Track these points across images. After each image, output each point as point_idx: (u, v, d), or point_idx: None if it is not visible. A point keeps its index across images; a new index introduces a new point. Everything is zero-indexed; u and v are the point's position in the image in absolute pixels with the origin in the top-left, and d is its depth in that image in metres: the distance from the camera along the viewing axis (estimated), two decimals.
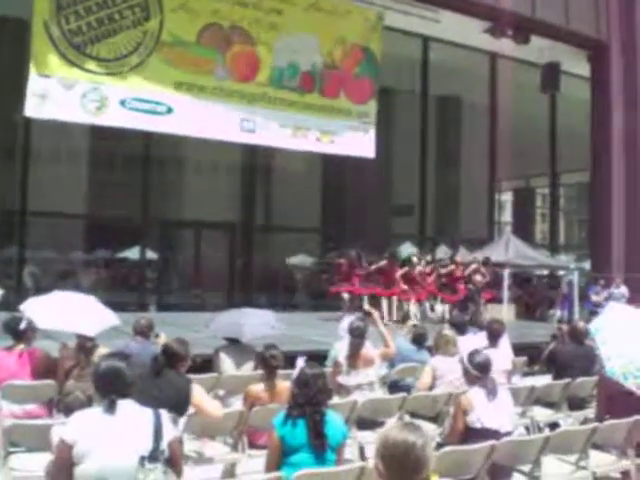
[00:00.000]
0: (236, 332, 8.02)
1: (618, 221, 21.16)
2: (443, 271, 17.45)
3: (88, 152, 20.60)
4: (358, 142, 17.49)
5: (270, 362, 6.11)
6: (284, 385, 5.73)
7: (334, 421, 4.66)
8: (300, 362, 4.94)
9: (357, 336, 7.46)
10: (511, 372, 8.67)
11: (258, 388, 6.12)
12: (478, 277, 17.43)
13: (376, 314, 8.51)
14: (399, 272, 16.53)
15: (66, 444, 3.68)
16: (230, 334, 8.04)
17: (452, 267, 17.33)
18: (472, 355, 5.85)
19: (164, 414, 3.91)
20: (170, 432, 3.88)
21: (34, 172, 18.32)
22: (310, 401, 4.58)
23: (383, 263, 16.69)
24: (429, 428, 6.66)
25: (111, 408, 3.76)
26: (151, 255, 20.54)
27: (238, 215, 21.90)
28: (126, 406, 3.81)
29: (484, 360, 5.78)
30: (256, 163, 22.02)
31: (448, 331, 8.08)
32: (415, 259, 17.42)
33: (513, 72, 23.29)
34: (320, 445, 4.49)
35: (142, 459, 3.68)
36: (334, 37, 17.11)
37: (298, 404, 4.60)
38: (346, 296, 16.37)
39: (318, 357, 8.29)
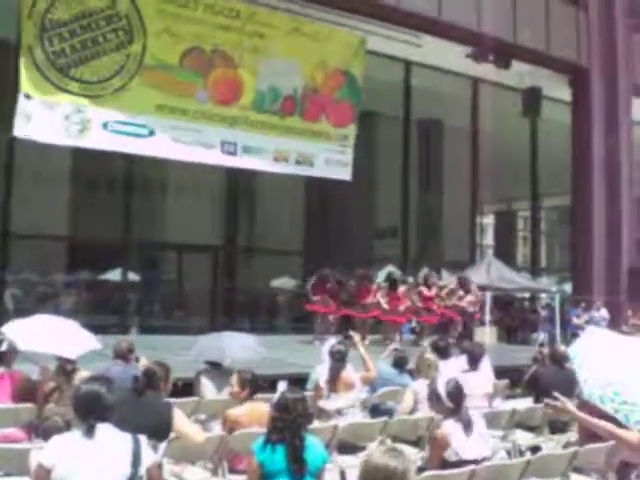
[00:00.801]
0: (217, 356, 8.00)
1: (599, 244, 21.32)
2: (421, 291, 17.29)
3: (71, 173, 20.52)
4: (336, 165, 17.61)
5: (246, 385, 6.09)
6: (263, 408, 5.69)
7: (314, 446, 4.62)
8: (281, 386, 4.92)
9: (338, 360, 7.45)
10: (492, 395, 8.68)
11: (237, 412, 6.08)
12: (469, 298, 17.32)
13: (357, 337, 8.50)
14: (378, 293, 16.42)
15: (44, 468, 3.67)
16: (211, 358, 8.02)
17: (423, 289, 17.09)
18: (447, 385, 5.71)
19: (143, 439, 3.89)
20: (149, 457, 3.87)
21: (17, 193, 18.22)
22: (290, 426, 4.54)
23: (351, 284, 16.55)
24: (411, 452, 6.65)
25: (90, 432, 3.75)
26: (133, 277, 20.44)
27: (221, 238, 21.86)
28: (105, 431, 3.79)
29: (457, 391, 5.64)
30: (239, 186, 22.03)
31: (430, 355, 8.08)
32: (397, 277, 17.32)
33: (495, 97, 23.46)
34: (299, 470, 4.44)
35: None
36: (316, 61, 17.23)
37: (277, 429, 4.57)
38: (320, 320, 16.30)
39: (299, 380, 8.29)
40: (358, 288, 16.36)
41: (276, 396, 4.81)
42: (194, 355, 8.40)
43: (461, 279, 17.78)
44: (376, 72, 19.57)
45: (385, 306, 16.23)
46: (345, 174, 17.95)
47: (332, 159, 17.60)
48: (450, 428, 5.39)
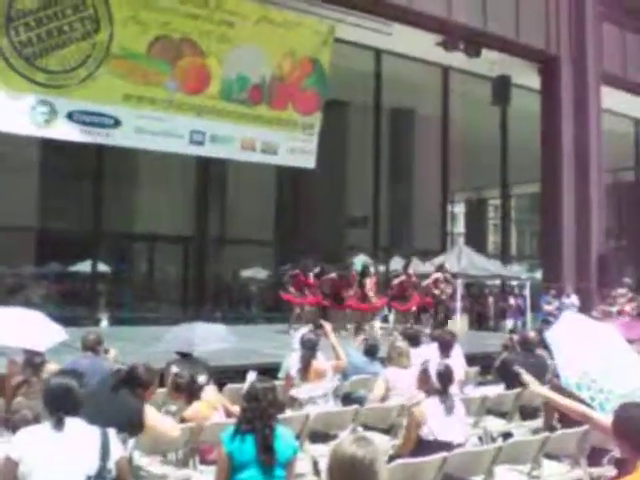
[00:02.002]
0: (187, 346, 7.96)
1: (569, 232, 21.46)
2: (395, 281, 17.33)
3: (39, 163, 20.30)
4: (301, 153, 17.64)
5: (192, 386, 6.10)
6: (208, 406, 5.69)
7: (284, 436, 4.60)
8: (251, 376, 4.91)
9: (309, 348, 7.46)
10: (464, 382, 8.72)
11: (189, 414, 6.06)
12: (446, 288, 17.36)
13: (328, 326, 8.49)
14: (354, 285, 16.41)
15: (12, 461, 3.65)
16: (181, 348, 7.97)
17: (402, 277, 17.14)
18: (438, 366, 5.87)
19: (112, 433, 3.86)
20: (117, 451, 3.84)
21: None
22: (260, 416, 4.53)
23: (333, 276, 16.53)
24: (383, 440, 6.66)
25: (58, 425, 3.73)
26: (103, 269, 20.28)
27: (191, 228, 21.75)
28: (74, 424, 3.77)
29: (447, 373, 5.80)
30: (209, 176, 21.92)
31: (401, 343, 8.09)
32: (372, 269, 17.31)
33: (465, 85, 23.54)
34: (268, 461, 4.41)
35: (88, 478, 3.63)
36: (284, 49, 17.18)
37: (247, 419, 4.54)
38: (297, 310, 16.26)
39: (271, 370, 8.28)
40: (339, 280, 16.30)
41: (246, 386, 4.79)
42: (164, 346, 8.35)
43: (439, 267, 17.87)
44: (346, 61, 19.55)
45: (373, 297, 16.23)
46: (309, 162, 18.02)
47: (297, 147, 17.66)
48: (431, 407, 5.51)
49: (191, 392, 6.14)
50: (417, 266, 19.01)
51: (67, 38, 14.44)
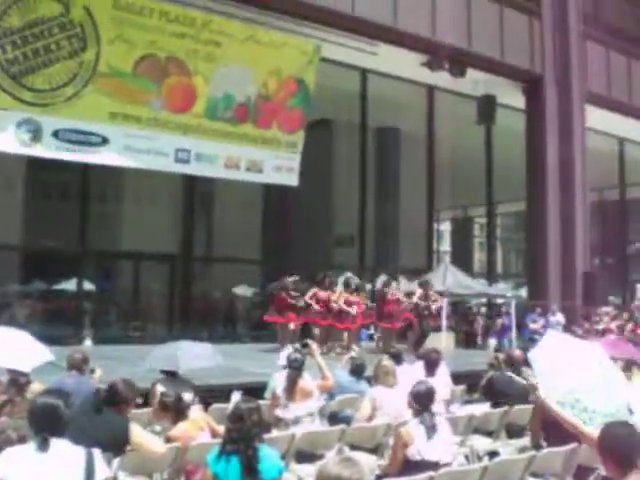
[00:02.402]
0: (172, 364, 7.92)
1: (554, 250, 21.56)
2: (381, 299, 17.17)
3: (24, 181, 20.25)
4: (284, 171, 17.72)
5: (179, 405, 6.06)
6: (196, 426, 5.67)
7: (268, 457, 4.58)
8: (235, 396, 4.90)
9: (295, 368, 7.43)
10: (450, 401, 8.72)
11: (176, 433, 6.02)
12: (433, 305, 17.25)
13: (315, 345, 8.48)
14: (334, 296, 16.28)
15: None
16: (166, 367, 7.93)
17: (385, 296, 16.96)
18: (414, 387, 5.88)
19: (97, 453, 3.84)
20: (102, 471, 3.83)
21: None
22: (244, 436, 4.51)
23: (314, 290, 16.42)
24: (369, 459, 6.64)
25: (43, 446, 3.70)
26: (88, 287, 20.21)
27: (177, 246, 21.71)
28: (59, 444, 3.75)
29: (425, 392, 5.80)
30: (195, 194, 21.91)
31: (387, 362, 8.08)
32: (353, 282, 17.11)
33: (450, 104, 23.65)
34: None
35: None
36: (270, 69, 17.25)
37: (232, 439, 4.53)
38: (292, 326, 16.16)
39: (256, 389, 8.26)
40: (321, 290, 16.18)
41: (230, 406, 4.77)
42: (148, 365, 8.31)
43: (423, 283, 17.81)
44: (332, 80, 19.63)
45: (352, 312, 16.11)
46: (292, 180, 18.06)
47: (281, 165, 17.71)
48: (415, 427, 5.50)
49: (178, 411, 6.10)
50: (404, 285, 19.03)
51: (54, 56, 14.43)
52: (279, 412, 7.28)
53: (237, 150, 17.08)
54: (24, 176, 20.06)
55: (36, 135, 14.38)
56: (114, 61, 15.16)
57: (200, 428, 6.10)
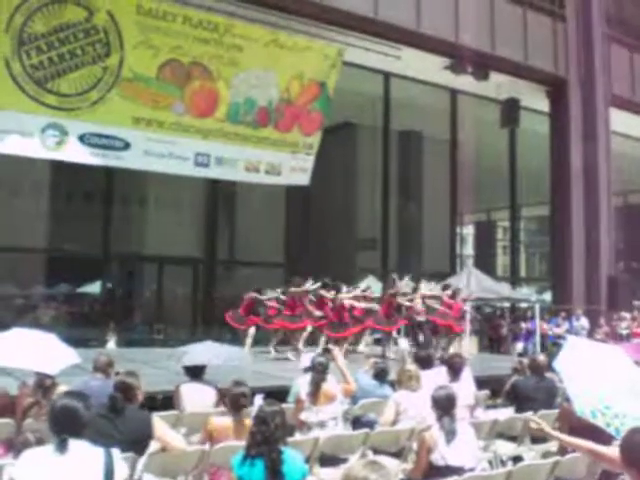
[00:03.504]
0: (200, 360, 7.93)
1: (578, 254, 21.44)
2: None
3: (49, 185, 20.41)
4: (298, 172, 17.75)
5: (237, 401, 6.02)
6: (244, 424, 5.65)
7: (292, 459, 4.58)
8: (258, 400, 4.90)
9: (319, 372, 7.41)
10: (474, 406, 8.67)
11: (223, 423, 6.01)
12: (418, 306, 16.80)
13: (336, 351, 8.47)
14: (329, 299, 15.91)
15: None
16: (194, 362, 7.91)
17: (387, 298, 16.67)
18: (435, 392, 5.87)
19: (116, 453, 3.84)
20: (122, 471, 3.82)
21: None
22: (268, 439, 4.52)
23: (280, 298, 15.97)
24: (392, 464, 6.63)
25: (62, 447, 3.69)
26: (112, 290, 20.34)
27: (201, 250, 21.78)
28: (78, 446, 3.74)
29: (445, 397, 5.77)
30: (219, 197, 21.99)
31: (411, 366, 8.05)
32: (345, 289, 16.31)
33: (473, 107, 23.60)
34: None
35: None
36: (292, 73, 17.29)
37: (256, 442, 4.53)
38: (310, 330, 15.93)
39: (280, 393, 8.26)
40: (288, 300, 15.60)
41: (254, 410, 4.78)
42: (176, 360, 8.31)
43: (446, 286, 17.67)
44: (355, 84, 19.65)
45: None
46: (304, 180, 18.08)
47: (296, 167, 17.73)
48: (437, 433, 5.48)
49: (233, 403, 6.06)
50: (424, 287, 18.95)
51: (79, 61, 14.55)
52: (303, 416, 7.27)
53: (257, 153, 17.15)
54: (49, 180, 20.21)
55: (61, 140, 14.50)
56: (138, 66, 15.25)
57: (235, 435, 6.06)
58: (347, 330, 15.17)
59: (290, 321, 15.32)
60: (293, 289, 15.44)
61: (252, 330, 15.78)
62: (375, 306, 16.38)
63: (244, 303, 15.88)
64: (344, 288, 16.03)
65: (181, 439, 5.82)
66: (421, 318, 16.28)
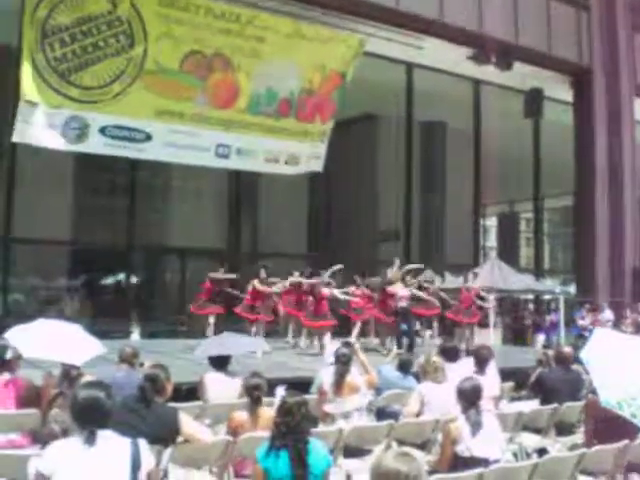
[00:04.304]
0: (223, 350, 7.93)
1: (602, 246, 21.29)
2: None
3: (73, 178, 20.53)
4: (313, 159, 17.72)
5: (252, 393, 6.03)
6: (268, 413, 5.65)
7: (317, 449, 4.57)
8: (280, 391, 4.89)
9: (343, 363, 7.40)
10: (498, 398, 8.63)
11: (242, 417, 6.04)
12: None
13: (357, 345, 8.46)
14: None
15: (43, 476, 3.61)
16: (217, 352, 7.92)
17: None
18: (461, 383, 5.84)
19: (142, 444, 3.83)
20: (148, 462, 3.81)
21: (19, 198, 18.23)
22: (293, 430, 4.51)
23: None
24: (417, 455, 6.59)
25: (90, 439, 3.67)
26: (136, 282, 20.43)
27: (224, 241, 21.83)
28: (105, 437, 3.73)
29: (471, 389, 5.75)
30: (241, 189, 22.02)
31: (437, 358, 8.02)
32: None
33: (497, 98, 23.45)
34: (303, 475, 4.39)
35: None
36: (314, 64, 17.22)
37: (281, 434, 4.53)
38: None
39: (303, 384, 8.25)
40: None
41: (276, 401, 4.77)
42: (201, 353, 8.33)
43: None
44: (378, 74, 19.58)
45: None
46: (319, 166, 18.07)
47: (311, 155, 17.72)
48: (462, 425, 5.46)
49: (254, 395, 6.08)
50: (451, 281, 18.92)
51: (102, 54, 14.56)
52: (326, 407, 7.26)
53: (277, 144, 17.15)
54: (73, 173, 20.34)
55: (84, 132, 14.55)
56: (161, 58, 15.26)
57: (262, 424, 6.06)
58: (325, 321, 14.97)
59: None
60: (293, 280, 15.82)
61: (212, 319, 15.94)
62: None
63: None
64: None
65: (209, 433, 5.82)
66: (402, 304, 15.78)
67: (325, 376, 7.63)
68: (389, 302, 15.47)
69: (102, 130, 14.80)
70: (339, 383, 7.31)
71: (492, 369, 8.56)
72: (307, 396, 7.85)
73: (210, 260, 21.57)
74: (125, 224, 20.00)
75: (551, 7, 20.64)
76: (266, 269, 15.91)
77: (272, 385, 6.05)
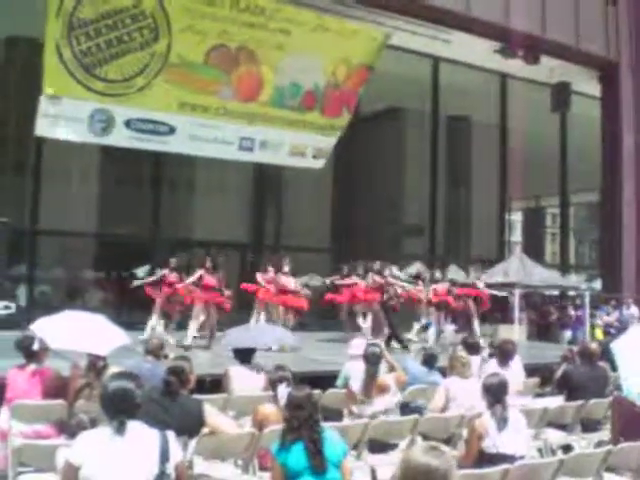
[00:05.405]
0: (249, 343, 7.93)
1: (629, 241, 21.10)
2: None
3: (99, 171, 20.64)
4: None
5: (277, 386, 6.04)
6: None
7: (331, 438, 4.60)
8: (282, 388, 4.93)
9: (373, 363, 7.31)
10: (522, 393, 8.59)
11: (267, 409, 6.05)
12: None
13: (382, 344, 8.43)
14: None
15: (72, 466, 3.63)
16: (243, 345, 7.92)
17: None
18: (487, 379, 5.82)
19: (171, 436, 3.84)
20: (177, 454, 3.82)
21: (45, 190, 18.37)
22: (306, 422, 4.53)
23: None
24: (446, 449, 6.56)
25: (120, 430, 3.69)
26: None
27: (248, 235, 21.87)
28: (134, 428, 3.75)
29: (497, 385, 5.72)
30: (266, 183, 22.05)
31: (463, 352, 7.98)
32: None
33: (523, 92, 23.29)
34: (320, 465, 4.41)
35: None
36: (339, 57, 17.11)
37: (293, 428, 4.54)
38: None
39: (326, 378, 8.26)
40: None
41: (283, 397, 4.79)
42: (227, 343, 8.33)
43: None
44: (403, 68, 19.52)
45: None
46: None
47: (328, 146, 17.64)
48: (488, 421, 5.44)
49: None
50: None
51: (126, 48, 14.57)
52: (356, 409, 7.18)
53: (303, 137, 17.10)
54: (98, 166, 20.45)
55: (109, 125, 14.60)
56: (185, 52, 15.25)
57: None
58: None
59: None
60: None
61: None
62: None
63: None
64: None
65: (234, 425, 5.84)
66: None
67: (351, 371, 7.60)
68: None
69: (127, 123, 14.84)
70: (369, 384, 7.23)
71: (517, 363, 8.53)
72: (332, 390, 7.89)
73: (233, 253, 21.66)
74: (150, 217, 20.10)
75: (579, 1, 20.45)
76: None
77: (298, 379, 6.08)
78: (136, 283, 15.94)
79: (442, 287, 16.48)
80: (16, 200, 18.54)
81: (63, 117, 14.06)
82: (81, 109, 14.30)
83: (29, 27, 15.68)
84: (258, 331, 8.39)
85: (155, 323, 14.79)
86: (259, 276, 15.82)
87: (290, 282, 15.57)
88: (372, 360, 7.32)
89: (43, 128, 13.97)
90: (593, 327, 19.48)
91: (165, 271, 15.15)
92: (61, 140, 14.36)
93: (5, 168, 19.02)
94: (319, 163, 17.67)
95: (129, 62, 14.60)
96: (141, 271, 17.33)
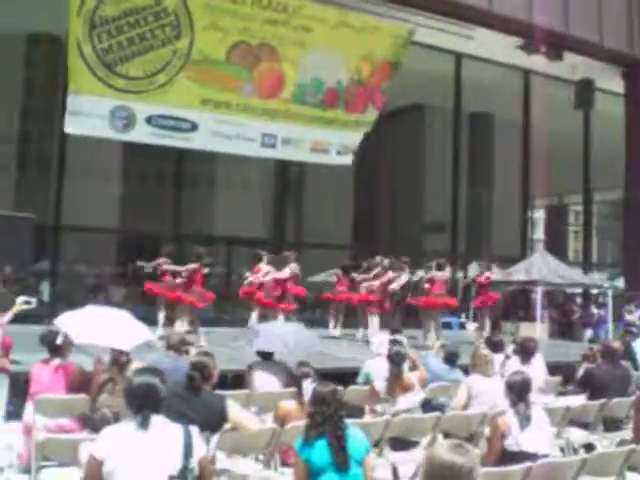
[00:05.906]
0: (272, 346, 7.92)
1: None
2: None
3: (121, 168, 20.75)
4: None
5: (300, 382, 6.05)
6: None
7: (355, 435, 4.60)
8: (307, 384, 4.91)
9: (398, 363, 7.27)
10: (544, 390, 8.56)
11: (289, 405, 6.06)
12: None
13: (405, 340, 8.41)
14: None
15: (96, 460, 3.65)
16: (265, 347, 7.92)
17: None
18: (510, 377, 5.79)
19: (194, 431, 3.86)
20: (200, 449, 3.83)
21: (68, 187, 18.47)
22: (330, 418, 4.52)
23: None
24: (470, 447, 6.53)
25: (144, 424, 3.72)
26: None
27: (269, 232, 21.89)
28: (158, 422, 3.77)
29: (520, 383, 5.69)
30: (287, 180, 22.06)
31: (486, 350, 7.94)
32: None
33: (546, 89, 23.15)
34: (344, 462, 4.40)
35: (171, 478, 3.63)
36: (362, 53, 17.05)
37: (317, 423, 4.54)
38: None
39: (347, 374, 8.25)
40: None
41: (307, 392, 4.79)
42: (246, 342, 8.34)
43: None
44: (426, 64, 19.45)
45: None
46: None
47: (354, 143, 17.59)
48: (511, 419, 5.42)
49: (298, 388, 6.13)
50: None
51: (148, 45, 14.59)
52: (379, 408, 7.15)
53: (326, 134, 17.06)
54: (120, 163, 20.56)
55: (130, 121, 14.65)
56: (207, 49, 15.27)
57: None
58: None
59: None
60: None
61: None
62: None
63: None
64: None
65: (256, 421, 5.85)
66: None
67: (373, 369, 7.59)
68: None
69: (148, 120, 14.87)
70: (394, 384, 7.17)
71: (539, 361, 8.50)
72: (353, 386, 7.88)
73: (254, 249, 21.69)
74: (172, 213, 20.16)
75: None
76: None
77: (319, 376, 6.08)
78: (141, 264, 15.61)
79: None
80: (40, 196, 18.69)
81: (86, 114, 14.15)
82: (102, 106, 14.34)
83: (51, 24, 15.79)
84: (284, 332, 8.33)
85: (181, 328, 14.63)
86: (249, 275, 15.58)
87: (285, 272, 15.26)
88: (397, 360, 7.26)
89: (71, 125, 14.07)
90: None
91: (160, 259, 15.12)
92: (85, 137, 14.45)
93: (29, 165, 19.17)
94: (345, 159, 17.63)
95: (151, 59, 14.62)
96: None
